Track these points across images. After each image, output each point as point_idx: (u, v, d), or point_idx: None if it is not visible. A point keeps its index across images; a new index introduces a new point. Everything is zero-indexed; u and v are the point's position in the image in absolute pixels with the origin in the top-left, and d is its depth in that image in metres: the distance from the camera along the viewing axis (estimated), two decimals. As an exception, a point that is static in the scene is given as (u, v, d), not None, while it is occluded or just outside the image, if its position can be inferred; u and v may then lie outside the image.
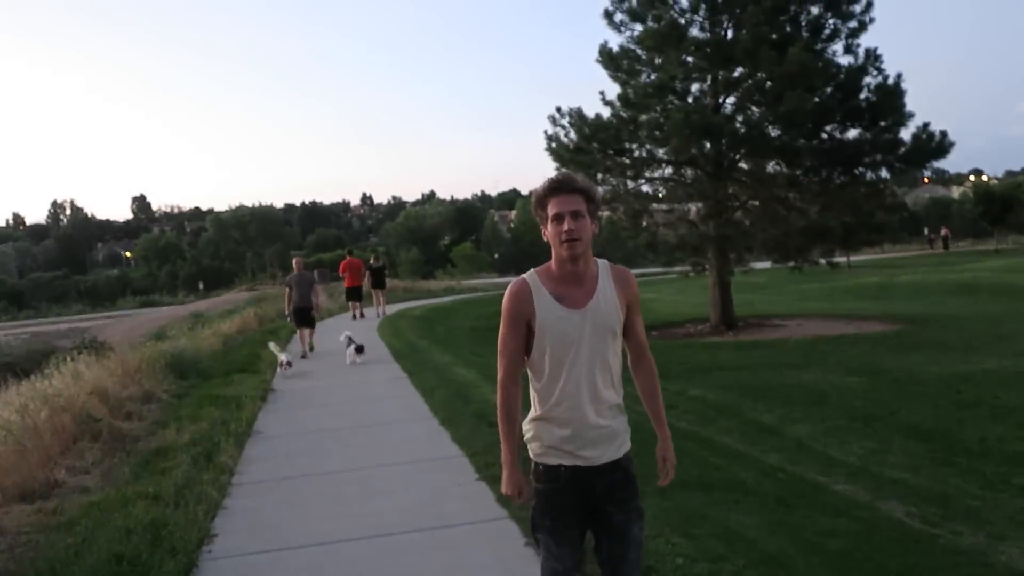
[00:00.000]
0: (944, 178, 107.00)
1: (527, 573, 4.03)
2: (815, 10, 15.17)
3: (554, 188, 2.61)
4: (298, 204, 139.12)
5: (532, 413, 2.72)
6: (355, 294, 22.14)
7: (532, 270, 2.70)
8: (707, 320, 15.77)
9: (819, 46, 15.00)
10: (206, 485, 5.92)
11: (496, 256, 74.16)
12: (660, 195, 17.38)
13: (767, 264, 17.19)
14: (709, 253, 15.28)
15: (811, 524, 4.68)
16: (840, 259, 20.39)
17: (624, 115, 15.89)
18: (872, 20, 14.71)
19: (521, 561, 4.22)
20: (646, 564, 3.76)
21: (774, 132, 14.99)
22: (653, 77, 15.80)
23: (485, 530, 4.77)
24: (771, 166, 15.38)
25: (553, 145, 16.11)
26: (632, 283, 2.75)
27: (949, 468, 5.88)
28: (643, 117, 15.56)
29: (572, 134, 15.89)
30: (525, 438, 2.75)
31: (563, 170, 2.84)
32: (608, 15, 16.03)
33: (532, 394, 2.73)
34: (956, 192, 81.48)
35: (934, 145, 14.07)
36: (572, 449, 2.63)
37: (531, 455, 2.74)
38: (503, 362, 2.71)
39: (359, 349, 12.37)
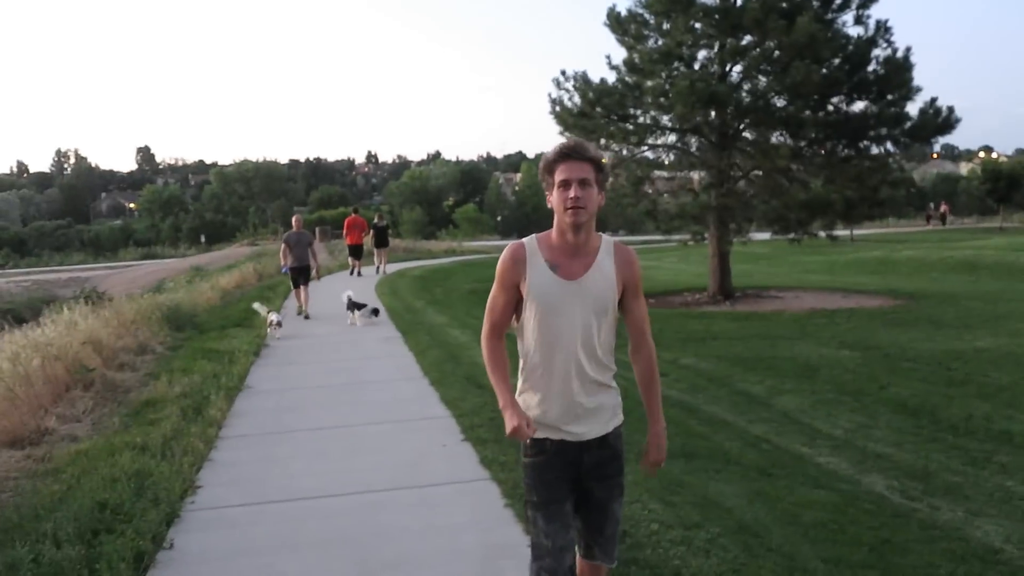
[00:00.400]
0: (954, 154, 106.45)
1: (505, 533, 4.07)
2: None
3: (564, 154, 2.55)
4: (302, 160, 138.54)
5: (518, 385, 2.69)
6: (356, 252, 22.19)
7: (533, 235, 2.66)
8: (705, 290, 15.75)
9: (829, 16, 14.76)
10: (193, 437, 5.97)
11: (499, 219, 73.95)
12: (663, 162, 17.22)
13: (767, 235, 17.11)
14: (709, 222, 15.20)
15: (790, 495, 4.71)
16: (843, 232, 20.33)
17: (629, 80, 15.72)
18: (880, -7, 14.46)
19: (500, 521, 4.26)
20: (621, 529, 3.79)
21: (780, 102, 14.84)
22: (660, 43, 15.60)
23: (466, 490, 4.81)
24: (775, 137, 15.22)
25: (557, 109, 15.96)
26: (634, 264, 2.66)
27: (933, 444, 5.90)
28: (648, 83, 15.40)
29: (576, 98, 15.73)
30: None
31: (574, 137, 2.73)
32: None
33: (520, 363, 2.69)
34: (964, 169, 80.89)
35: (940, 120, 13.92)
36: (558, 424, 2.60)
37: None
38: (489, 319, 2.69)
39: (375, 312, 12.39)
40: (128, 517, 4.36)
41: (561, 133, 16.14)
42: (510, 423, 2.53)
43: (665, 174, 16.96)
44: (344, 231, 23.01)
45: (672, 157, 17.03)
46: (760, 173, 15.83)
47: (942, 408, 6.79)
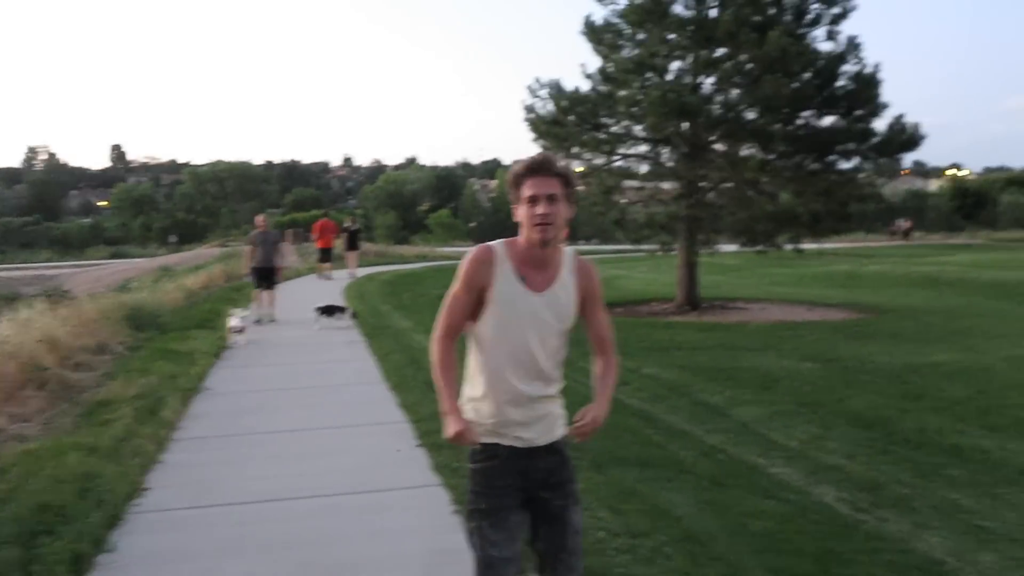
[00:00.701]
0: (924, 171, 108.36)
1: (450, 539, 4.04)
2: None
3: (532, 169, 2.53)
4: (277, 162, 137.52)
5: (467, 392, 2.66)
6: (326, 255, 22.10)
7: (501, 240, 2.64)
8: (673, 299, 15.83)
9: (800, 31, 14.93)
10: (145, 439, 5.88)
11: (474, 225, 73.94)
12: (635, 172, 17.31)
13: (736, 247, 17.27)
14: (678, 233, 15.29)
15: (740, 505, 4.73)
16: (812, 246, 20.50)
17: (603, 90, 15.81)
18: (855, 8, 14.67)
19: (446, 527, 4.24)
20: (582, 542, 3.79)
21: (750, 115, 14.97)
22: (634, 53, 15.70)
23: (417, 495, 4.78)
24: (745, 149, 15.36)
25: (531, 116, 16.01)
26: (593, 276, 2.68)
27: (885, 456, 5.96)
28: (621, 93, 15.49)
29: (550, 106, 15.80)
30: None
31: (544, 150, 2.69)
32: (591, -14, 15.89)
33: (470, 369, 2.67)
34: (934, 185, 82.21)
35: (906, 137, 14.12)
36: (507, 431, 2.59)
37: None
38: (446, 321, 2.63)
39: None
40: (69, 519, 4.28)
41: (535, 140, 16.20)
42: (452, 427, 2.52)
43: (636, 184, 17.04)
44: (314, 234, 22.94)
45: (644, 167, 17.14)
46: (730, 185, 15.97)
47: (896, 421, 6.86)
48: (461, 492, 4.60)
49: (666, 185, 16.89)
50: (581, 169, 16.34)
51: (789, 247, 15.65)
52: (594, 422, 2.65)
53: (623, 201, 16.83)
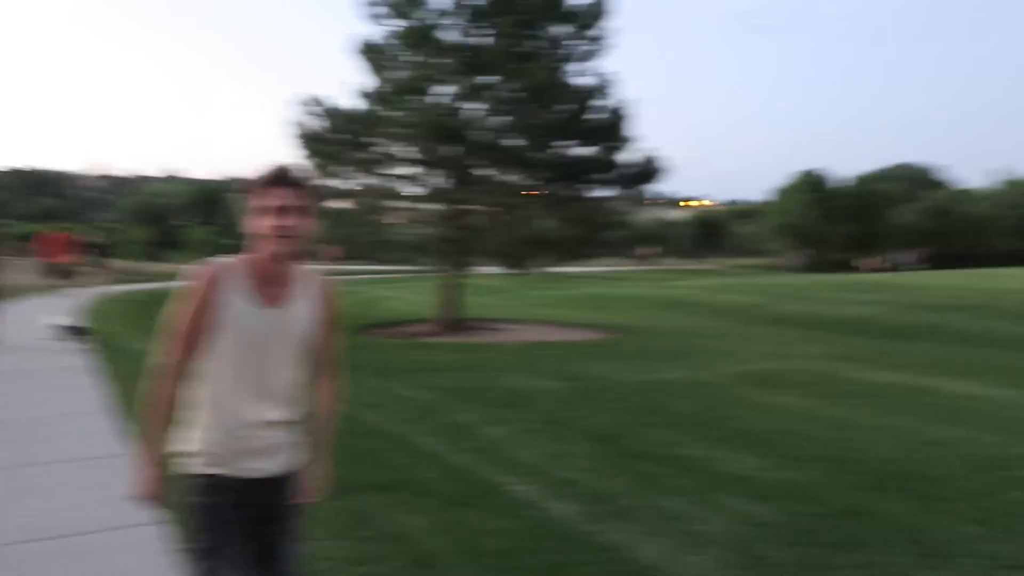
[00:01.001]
0: (670, 201, 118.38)
1: (166, 582, 3.75)
2: (560, 30, 15.90)
3: (273, 180, 2.39)
4: (17, 169, 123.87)
5: (192, 419, 2.45)
6: (58, 271, 20.23)
7: (229, 257, 2.45)
8: (436, 321, 15.99)
9: (560, 65, 15.76)
10: None
11: (237, 242, 70.80)
12: (400, 193, 17.41)
13: (497, 269, 17.87)
14: (441, 254, 15.53)
15: (478, 524, 4.79)
16: (571, 269, 21.64)
17: (372, 109, 15.82)
18: (606, 48, 15.73)
19: (161, 569, 3.92)
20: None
21: (512, 142, 15.56)
22: (405, 75, 15.84)
23: (135, 535, 4.38)
24: (507, 175, 15.93)
25: (297, 133, 15.69)
26: (334, 297, 2.59)
27: (619, 469, 6.30)
28: (390, 114, 15.57)
29: (318, 123, 15.59)
30: (181, 448, 2.44)
31: (285, 162, 2.52)
32: (366, 6, 15.90)
33: (195, 395, 2.45)
34: (678, 215, 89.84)
35: (647, 170, 15.34)
36: (234, 461, 2.41)
37: (188, 468, 2.44)
38: (170, 348, 2.40)
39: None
40: None
41: (303, 158, 15.84)
42: (145, 487, 2.38)
43: (401, 204, 17.13)
44: (44, 248, 20.98)
45: (410, 188, 17.27)
46: (491, 209, 16.46)
47: (632, 435, 7.29)
48: (178, 529, 4.29)
49: (431, 207, 17.12)
50: (352, 188, 16.18)
51: (545, 270, 16.40)
52: (326, 486, 2.69)
53: (388, 221, 16.85)
